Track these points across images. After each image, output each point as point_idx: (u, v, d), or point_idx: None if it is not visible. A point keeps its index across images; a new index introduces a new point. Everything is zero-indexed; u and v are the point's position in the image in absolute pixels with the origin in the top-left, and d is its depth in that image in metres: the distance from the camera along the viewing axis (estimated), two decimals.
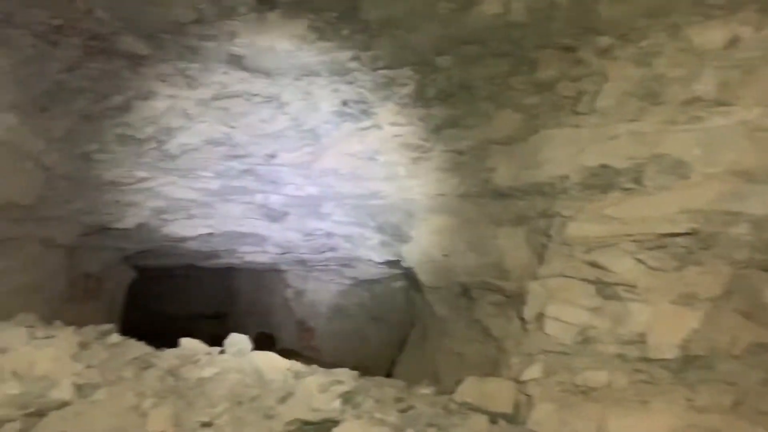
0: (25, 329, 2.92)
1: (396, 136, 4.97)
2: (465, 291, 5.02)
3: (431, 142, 4.91)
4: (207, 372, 3.40)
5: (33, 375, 2.84)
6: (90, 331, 3.53)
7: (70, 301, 6.18)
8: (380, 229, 5.80)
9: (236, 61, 4.44)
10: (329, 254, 6.92)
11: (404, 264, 5.51)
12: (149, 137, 5.10)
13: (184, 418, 3.15)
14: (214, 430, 3.07)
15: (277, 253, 7.37)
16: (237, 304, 12.57)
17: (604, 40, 3.66)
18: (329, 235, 6.32)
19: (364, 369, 7.50)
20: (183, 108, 4.83)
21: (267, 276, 9.99)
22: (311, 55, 4.34)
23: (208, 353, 3.61)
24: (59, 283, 5.75)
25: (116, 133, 4.96)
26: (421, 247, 5.15)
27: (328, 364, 8.07)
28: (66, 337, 3.15)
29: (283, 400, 3.27)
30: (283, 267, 8.50)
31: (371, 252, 6.23)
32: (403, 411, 3.53)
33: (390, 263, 6.22)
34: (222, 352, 3.66)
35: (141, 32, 4.11)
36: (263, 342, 11.68)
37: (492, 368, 4.43)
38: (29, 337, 2.87)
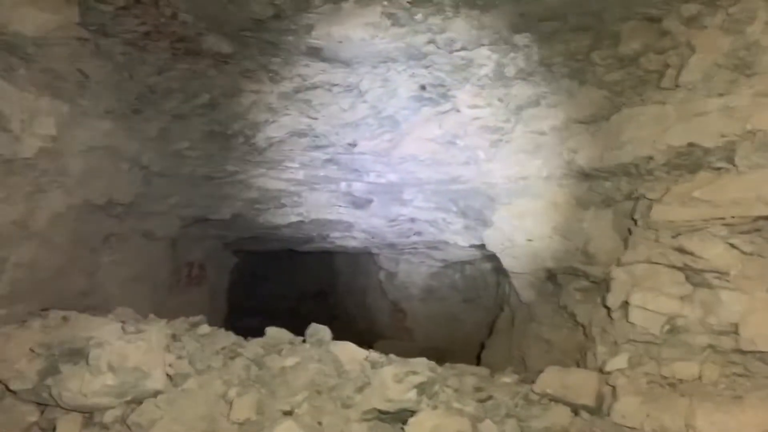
0: (119, 324, 3.15)
1: (475, 118, 4.88)
2: (551, 276, 4.88)
3: (511, 123, 4.79)
4: (289, 361, 3.52)
5: (127, 367, 3.06)
6: (181, 323, 3.75)
7: (174, 288, 6.58)
8: (463, 213, 5.74)
9: (315, 53, 4.52)
10: (415, 238, 6.93)
11: (488, 249, 5.42)
12: (237, 132, 5.30)
13: (267, 406, 3.29)
14: (295, 418, 3.19)
15: (365, 238, 7.49)
16: (337, 284, 12.94)
17: (691, 8, 3.41)
18: (413, 220, 6.33)
19: (456, 351, 7.55)
20: (267, 102, 4.98)
21: (362, 258, 10.17)
22: (387, 41, 4.33)
23: (291, 342, 3.74)
24: (163, 273, 6.13)
25: (205, 130, 5.19)
26: (503, 232, 5.05)
27: (421, 347, 8.20)
28: (158, 330, 3.37)
29: (360, 389, 3.34)
30: (374, 250, 8.61)
31: (456, 236, 6.18)
32: (481, 401, 3.51)
33: (477, 246, 6.14)
34: (304, 341, 3.78)
35: (223, 31, 4.27)
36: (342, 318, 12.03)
37: (580, 356, 4.30)
38: (122, 331, 3.09)
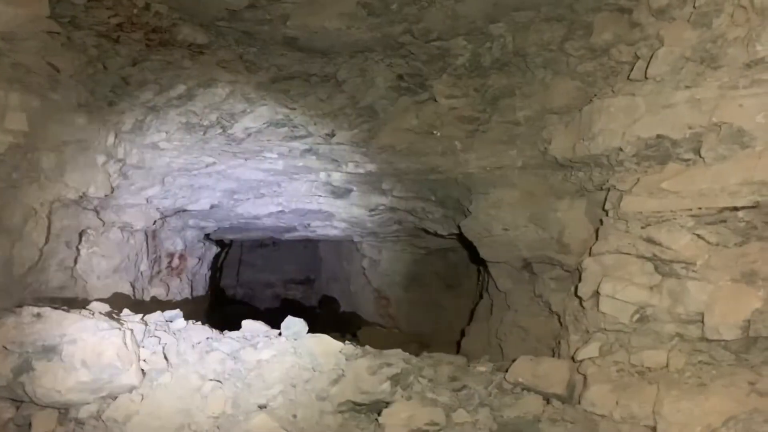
0: (93, 320, 3.16)
1: (452, 108, 4.90)
2: (527, 265, 4.93)
3: (487, 113, 4.81)
4: (265, 354, 3.55)
5: (101, 363, 3.07)
6: (156, 317, 3.76)
7: (155, 279, 6.58)
8: (441, 203, 5.77)
9: (292, 43, 4.50)
10: (396, 227, 6.97)
11: (466, 238, 5.46)
12: (213, 123, 5.28)
13: (242, 400, 3.32)
14: (269, 411, 3.23)
15: (346, 227, 7.51)
16: (322, 271, 13.00)
17: (661, 0, 3.43)
18: (393, 209, 6.36)
19: (439, 338, 7.62)
20: (244, 92, 4.97)
21: (346, 246, 10.21)
22: (363, 31, 4.33)
23: (267, 335, 3.77)
24: (143, 264, 6.13)
25: (182, 121, 5.17)
26: (480, 221, 5.08)
27: (404, 333, 8.26)
28: (132, 325, 3.38)
29: (334, 382, 3.38)
30: (357, 238, 8.64)
31: (436, 225, 6.22)
32: (456, 390, 3.56)
33: (456, 235, 6.18)
34: (280, 334, 3.81)
35: (198, 22, 4.24)
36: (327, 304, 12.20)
37: (555, 344, 4.37)
38: (96, 327, 3.10)
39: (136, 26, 4.22)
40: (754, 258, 3.00)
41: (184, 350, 3.54)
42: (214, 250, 8.58)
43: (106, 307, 3.62)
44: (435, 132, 5.07)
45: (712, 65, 3.16)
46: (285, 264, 14.24)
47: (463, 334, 6.42)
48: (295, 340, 3.65)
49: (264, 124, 5.33)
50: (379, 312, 9.44)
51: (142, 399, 3.26)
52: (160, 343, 3.49)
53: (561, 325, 4.19)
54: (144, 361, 3.36)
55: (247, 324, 3.92)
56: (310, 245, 12.39)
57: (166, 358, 3.45)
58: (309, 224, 7.63)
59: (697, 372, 3.09)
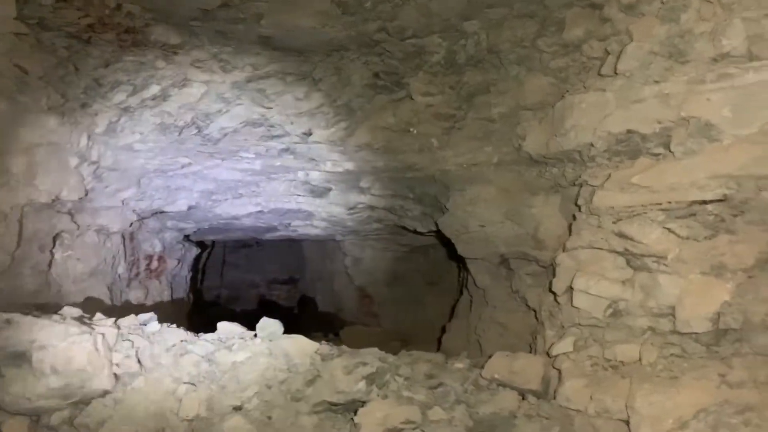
0: (63, 325, 3.12)
1: (428, 106, 4.91)
2: (504, 261, 4.95)
3: (463, 110, 4.82)
4: (240, 356, 3.53)
5: (71, 369, 3.04)
6: (130, 321, 3.72)
7: (133, 282, 6.52)
8: (419, 200, 5.77)
9: (266, 42, 4.49)
10: (377, 225, 6.97)
11: (444, 235, 5.47)
12: (189, 123, 5.24)
13: (217, 402, 3.30)
14: (244, 413, 3.21)
15: (326, 226, 7.49)
16: (306, 270, 12.96)
17: None
18: (372, 208, 6.35)
19: (421, 335, 7.62)
20: (219, 92, 4.94)
21: (329, 245, 10.18)
22: (338, 30, 4.33)
23: (242, 337, 3.75)
24: (121, 267, 6.07)
25: (156, 122, 5.13)
26: (457, 218, 5.09)
27: (387, 331, 8.26)
28: (104, 330, 3.34)
29: (310, 383, 3.36)
30: (339, 237, 8.62)
31: (415, 222, 6.22)
32: (432, 388, 3.56)
33: (435, 232, 6.19)
34: (255, 335, 3.79)
35: (171, 22, 4.21)
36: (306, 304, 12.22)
37: (532, 339, 4.39)
38: (66, 333, 3.06)
39: (108, 27, 4.18)
40: (723, 251, 3.03)
41: (158, 353, 3.51)
42: (195, 251, 8.52)
43: (78, 312, 3.58)
44: (412, 129, 5.07)
45: (680, 60, 3.18)
46: (269, 264, 14.21)
47: (443, 331, 6.43)
48: (271, 341, 3.63)
49: (240, 123, 5.30)
50: (362, 311, 9.44)
51: (116, 404, 3.23)
52: (133, 346, 3.46)
53: (537, 320, 4.20)
54: (117, 365, 3.33)
55: (223, 326, 3.89)
56: (294, 245, 12.35)
57: (139, 361, 3.42)
58: (289, 224, 7.60)
59: (669, 365, 3.11)
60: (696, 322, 3.03)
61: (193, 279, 9.25)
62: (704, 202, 3.07)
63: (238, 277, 14.20)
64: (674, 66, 3.19)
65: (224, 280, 14.14)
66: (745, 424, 2.83)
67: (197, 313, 9.39)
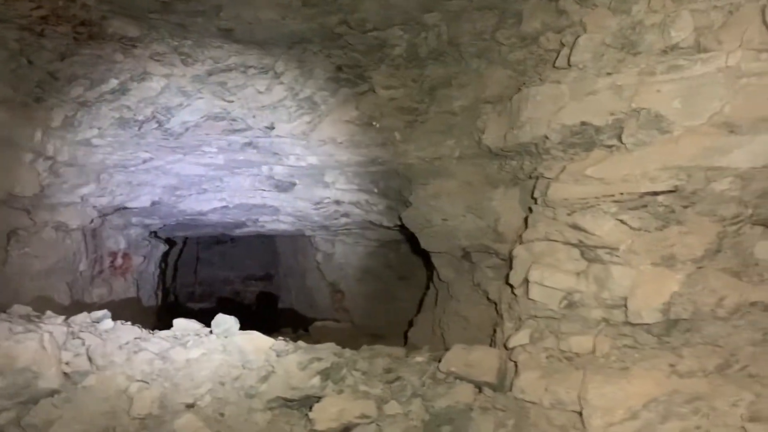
0: (6, 324, 3.05)
1: (391, 99, 4.89)
2: (466, 254, 4.94)
3: (425, 103, 4.80)
4: (194, 353, 3.48)
5: (16, 368, 2.97)
6: (82, 318, 3.65)
7: (96, 279, 6.42)
8: (384, 194, 5.75)
9: (227, 35, 4.43)
10: (344, 220, 6.93)
11: (408, 229, 5.45)
12: (149, 118, 5.16)
13: (169, 400, 3.25)
14: (196, 411, 3.16)
15: (294, 221, 7.44)
16: (280, 266, 12.89)
17: None
18: (338, 202, 6.32)
19: (392, 329, 7.61)
20: (179, 86, 4.87)
21: (300, 240, 10.13)
22: (299, 22, 4.29)
23: (197, 334, 3.70)
24: (82, 264, 5.97)
25: (115, 116, 5.04)
26: (420, 212, 5.07)
27: (357, 326, 8.24)
28: (53, 329, 3.27)
29: (264, 379, 3.33)
30: (309, 232, 8.58)
31: (381, 217, 6.20)
32: (389, 382, 3.55)
33: (401, 227, 6.17)
34: (211, 332, 3.74)
35: (129, 14, 4.13)
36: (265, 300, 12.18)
37: (493, 332, 4.39)
38: (10, 332, 2.99)
39: (63, 19, 4.09)
40: (673, 242, 3.04)
41: (110, 351, 3.45)
42: (162, 247, 8.41)
43: (27, 310, 3.50)
44: (375, 123, 5.05)
45: (631, 51, 3.19)
46: (243, 260, 14.10)
47: (411, 324, 6.42)
48: (226, 337, 3.59)
49: (202, 117, 5.23)
50: (333, 306, 9.40)
51: (65, 403, 3.16)
52: (84, 344, 3.39)
53: (497, 313, 4.20)
54: (66, 363, 3.27)
55: (179, 323, 3.84)
56: (268, 241, 12.29)
57: (91, 360, 3.35)
58: (257, 219, 7.54)
59: (622, 356, 3.13)
60: (647, 313, 3.05)
61: (162, 276, 9.13)
62: (655, 194, 3.08)
63: (212, 274, 14.08)
64: (626, 57, 3.20)
65: (198, 277, 14.01)
66: (694, 413, 2.86)
67: (171, 310, 9.28)
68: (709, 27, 2.95)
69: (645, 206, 3.13)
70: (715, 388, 2.89)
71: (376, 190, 5.78)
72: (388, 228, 6.81)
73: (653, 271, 3.08)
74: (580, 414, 3.08)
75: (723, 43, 2.93)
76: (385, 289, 8.74)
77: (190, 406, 3.20)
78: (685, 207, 3.05)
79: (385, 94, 4.86)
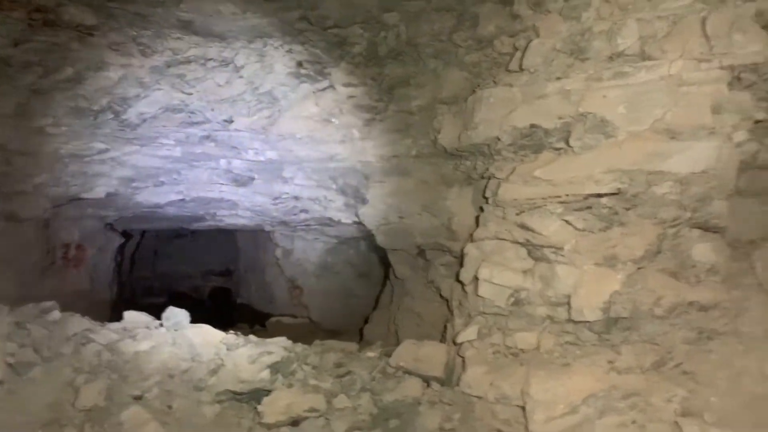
0: None
1: (350, 97, 4.92)
2: (421, 252, 5.01)
3: (384, 102, 4.84)
4: (143, 346, 3.46)
5: None
6: (29, 309, 3.60)
7: (48, 271, 6.29)
8: (342, 191, 5.78)
9: (187, 27, 4.40)
10: (304, 216, 6.93)
11: (365, 226, 5.49)
12: (104, 108, 5.08)
13: (117, 392, 3.23)
14: (144, 403, 3.15)
15: (251, 216, 7.41)
16: (240, 261, 12.79)
17: None
18: (297, 198, 6.31)
19: (350, 326, 7.64)
20: (137, 76, 4.81)
21: (261, 236, 10.07)
22: (259, 16, 4.29)
23: (147, 326, 3.68)
24: (34, 256, 5.85)
25: (70, 105, 4.95)
26: (377, 209, 5.12)
27: (314, 322, 8.24)
28: None
29: (213, 372, 3.33)
30: (268, 228, 8.54)
31: (339, 213, 6.21)
32: (340, 377, 3.58)
33: (359, 223, 6.20)
34: (161, 325, 3.72)
35: (86, 2, 4.08)
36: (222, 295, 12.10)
37: (445, 329, 4.46)
38: None
39: (16, 5, 4.02)
40: (615, 243, 3.15)
41: (57, 343, 3.40)
42: (118, 240, 8.28)
43: None
44: (334, 120, 5.07)
45: (580, 57, 3.29)
46: (204, 255, 13.92)
47: (367, 321, 6.47)
48: (176, 330, 3.58)
49: (159, 109, 5.17)
50: (292, 302, 9.38)
51: (8, 394, 3.12)
52: (30, 336, 3.34)
53: (449, 309, 4.27)
54: (11, 355, 3.21)
55: (129, 315, 3.81)
56: (229, 236, 12.18)
57: (36, 351, 3.31)
58: (215, 213, 7.47)
59: (564, 352, 3.22)
60: (589, 311, 3.15)
61: (118, 269, 8.98)
62: (599, 196, 3.19)
63: (171, 268, 13.85)
64: (575, 63, 3.30)
65: (157, 271, 13.78)
66: (630, 408, 2.96)
67: (129, 304, 9.11)
68: (653, 36, 3.07)
69: (589, 208, 3.23)
70: (651, 384, 3.00)
71: (334, 187, 5.80)
72: (347, 225, 6.82)
73: (596, 270, 3.19)
74: (524, 408, 3.16)
75: (666, 52, 3.05)
76: (343, 286, 8.76)
77: (137, 398, 3.19)
78: (627, 209, 3.16)
79: (345, 92, 4.89)
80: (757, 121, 3.12)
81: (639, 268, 3.13)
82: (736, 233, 3.21)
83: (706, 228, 3.14)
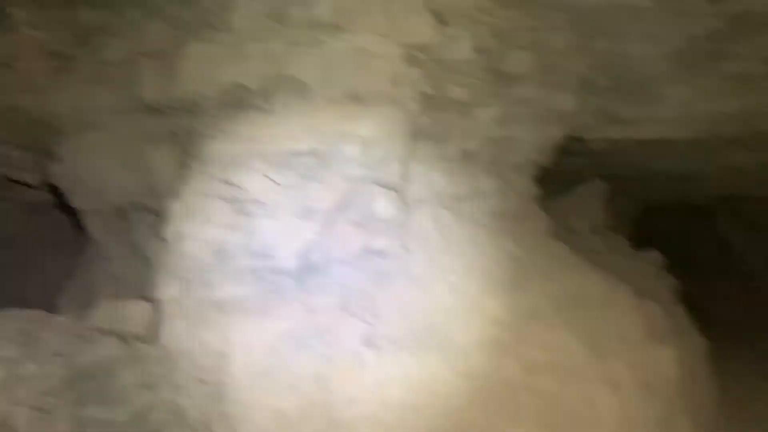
0: None
1: (36, 40, 4.42)
2: (121, 213, 4.78)
3: (77, 50, 4.46)
4: None
5: None
6: None
7: None
8: (28, 148, 5.18)
9: None
10: None
11: (58, 186, 5.01)
12: None
13: None
14: None
15: None
16: None
17: None
18: None
19: (39, 301, 6.88)
20: None
21: None
22: None
23: None
24: None
25: None
26: (71, 168, 4.72)
27: None
28: None
29: None
30: None
31: (24, 174, 5.56)
32: (25, 344, 3.30)
33: (51, 185, 5.62)
34: None
35: None
36: None
37: (148, 288, 4.35)
38: None
39: None
40: (311, 196, 3.45)
41: None
42: None
43: None
44: (14, 64, 4.51)
45: (281, 22, 3.47)
46: None
47: (63, 292, 5.92)
48: None
49: None
50: None
51: None
52: None
53: (152, 268, 4.18)
54: None
55: None
56: None
57: None
58: None
59: (265, 300, 3.43)
60: (286, 260, 3.40)
61: None
62: (298, 153, 3.44)
63: None
64: (276, 26, 3.48)
65: None
66: (322, 343, 3.30)
67: None
68: (345, 8, 3.40)
69: (289, 164, 3.47)
70: (339, 321, 3.38)
71: (17, 142, 5.16)
72: (36, 189, 6.12)
73: (293, 222, 3.45)
74: (225, 355, 3.29)
75: (357, 24, 3.40)
76: (29, 259, 7.83)
77: None
78: (322, 166, 3.46)
79: (29, 34, 4.39)
80: (428, 96, 3.69)
81: (329, 219, 3.47)
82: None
83: (385, 186, 3.60)
